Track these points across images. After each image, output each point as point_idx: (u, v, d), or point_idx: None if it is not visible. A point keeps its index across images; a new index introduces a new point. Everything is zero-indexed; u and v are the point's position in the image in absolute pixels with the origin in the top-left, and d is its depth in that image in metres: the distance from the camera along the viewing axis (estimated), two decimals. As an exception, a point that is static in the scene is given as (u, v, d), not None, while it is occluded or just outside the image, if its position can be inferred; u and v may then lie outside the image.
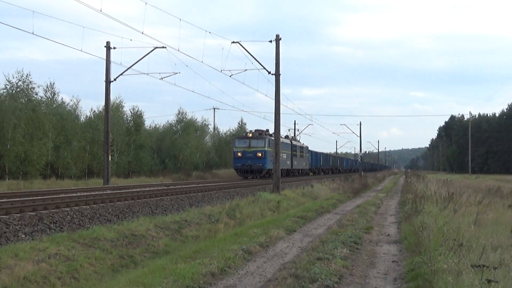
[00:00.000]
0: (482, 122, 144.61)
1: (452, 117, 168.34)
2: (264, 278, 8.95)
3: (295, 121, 76.17)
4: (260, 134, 47.32)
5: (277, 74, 30.12)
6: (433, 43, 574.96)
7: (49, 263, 9.80)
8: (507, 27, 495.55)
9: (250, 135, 47.39)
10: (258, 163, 44.98)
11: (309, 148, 68.24)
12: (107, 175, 33.42)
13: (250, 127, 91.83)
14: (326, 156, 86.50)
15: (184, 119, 69.32)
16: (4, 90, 40.61)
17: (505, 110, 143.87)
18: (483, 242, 9.54)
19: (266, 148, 45.13)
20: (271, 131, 49.52)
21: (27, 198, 17.37)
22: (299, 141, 64.94)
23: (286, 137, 55.02)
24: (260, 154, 44.80)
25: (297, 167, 56.79)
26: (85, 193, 21.45)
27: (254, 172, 45.69)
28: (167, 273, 8.68)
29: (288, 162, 50.89)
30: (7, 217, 13.44)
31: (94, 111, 53.18)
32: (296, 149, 56.54)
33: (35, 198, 17.68)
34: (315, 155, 73.75)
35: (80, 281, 9.67)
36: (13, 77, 40.70)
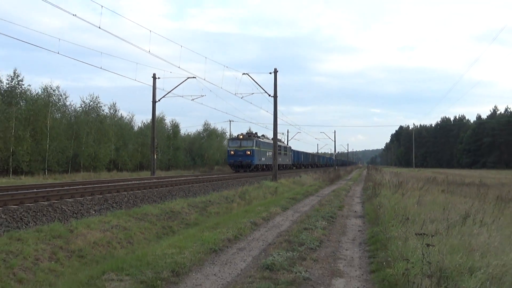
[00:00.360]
0: (422, 131, 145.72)
1: (401, 127, 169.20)
2: (265, 243, 8.96)
3: (288, 130, 76.99)
4: (249, 136, 44.37)
5: (275, 97, 30.10)
6: (387, 74, 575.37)
7: (111, 232, 9.85)
8: (438, 63, 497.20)
9: (241, 136, 43.60)
10: (247, 159, 41.88)
11: (292, 148, 65.92)
12: (153, 169, 33.47)
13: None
14: (306, 154, 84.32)
15: (208, 129, 69.52)
16: (80, 108, 41.23)
17: (438, 122, 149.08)
18: (423, 217, 9.50)
19: (254, 148, 42.23)
20: (260, 134, 48.76)
21: (96, 185, 17.45)
22: (283, 142, 62.50)
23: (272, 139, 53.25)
24: (249, 152, 41.93)
25: (281, 162, 53.58)
26: (137, 181, 21.54)
27: (244, 167, 42.23)
28: (196, 239, 8.66)
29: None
30: (82, 198, 13.58)
31: (144, 123, 53.55)
32: (281, 149, 53.57)
33: (101, 185, 17.75)
34: (297, 153, 72.02)
35: (134, 245, 9.70)
36: (86, 99, 41.53)
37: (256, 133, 47.77)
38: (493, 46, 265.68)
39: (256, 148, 43.15)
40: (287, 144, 63.72)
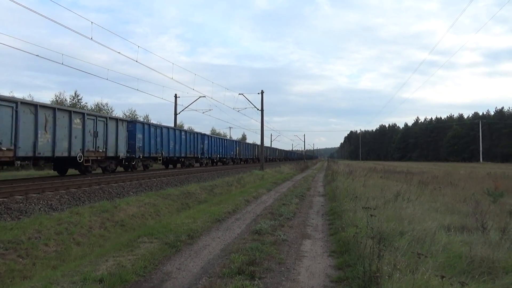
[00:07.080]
0: (366, 134, 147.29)
1: (351, 132, 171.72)
2: (255, 214, 8.92)
3: (271, 134, 75.95)
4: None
5: (262, 110, 29.93)
6: (340, 94, 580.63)
7: (144, 207, 9.73)
8: (376, 86, 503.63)
9: None
10: None
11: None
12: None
13: (249, 138, 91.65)
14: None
15: (215, 133, 69.39)
16: (122, 119, 40.72)
17: (377, 128, 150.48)
18: (367, 195, 9.48)
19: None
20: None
21: (133, 175, 17.26)
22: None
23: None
24: None
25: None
26: (163, 171, 21.31)
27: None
28: (205, 212, 8.61)
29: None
30: (124, 183, 13.42)
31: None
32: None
33: (138, 175, 17.57)
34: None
35: (161, 216, 9.59)
36: (127, 112, 41.10)
37: None
38: (414, 75, 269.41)
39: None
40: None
